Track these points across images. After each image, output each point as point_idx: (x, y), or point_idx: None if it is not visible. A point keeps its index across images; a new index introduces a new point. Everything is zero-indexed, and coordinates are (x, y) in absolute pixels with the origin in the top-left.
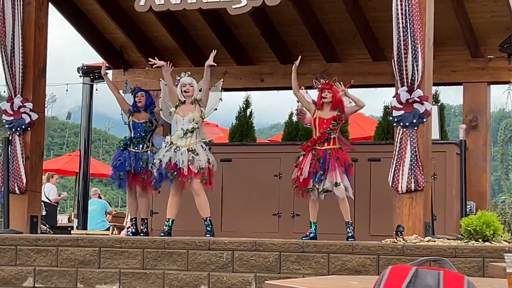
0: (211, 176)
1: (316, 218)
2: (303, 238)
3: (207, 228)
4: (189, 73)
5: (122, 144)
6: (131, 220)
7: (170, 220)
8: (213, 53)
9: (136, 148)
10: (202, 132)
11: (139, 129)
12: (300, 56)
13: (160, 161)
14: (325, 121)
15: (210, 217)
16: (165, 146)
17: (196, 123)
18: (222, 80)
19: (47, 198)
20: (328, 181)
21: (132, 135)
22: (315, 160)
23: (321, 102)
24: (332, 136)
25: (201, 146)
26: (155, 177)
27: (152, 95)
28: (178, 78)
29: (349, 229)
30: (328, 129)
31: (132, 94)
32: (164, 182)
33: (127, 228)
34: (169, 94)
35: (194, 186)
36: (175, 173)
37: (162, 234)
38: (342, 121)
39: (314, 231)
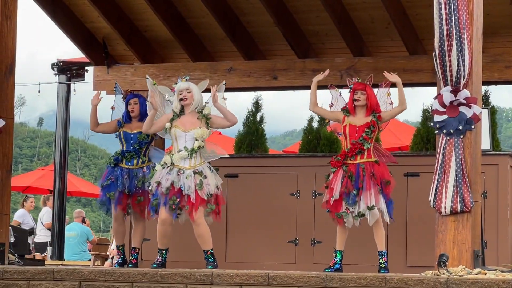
0: (220, 204)
1: (343, 247)
2: (326, 270)
3: (209, 259)
4: (187, 77)
5: (112, 160)
6: (117, 248)
7: (164, 250)
8: (214, 89)
9: (129, 164)
10: (205, 150)
11: (132, 141)
12: (328, 70)
13: (158, 184)
14: (357, 128)
15: (212, 249)
16: (163, 168)
17: (202, 141)
18: (224, 82)
19: (41, 223)
20: (362, 203)
21: (124, 149)
22: (347, 178)
23: (353, 105)
24: (365, 147)
25: (208, 167)
26: (151, 205)
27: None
28: (174, 86)
29: (382, 260)
30: (361, 138)
31: (123, 100)
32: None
33: (112, 258)
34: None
35: (196, 215)
36: (178, 200)
37: (155, 265)
38: (378, 128)
39: (339, 262)
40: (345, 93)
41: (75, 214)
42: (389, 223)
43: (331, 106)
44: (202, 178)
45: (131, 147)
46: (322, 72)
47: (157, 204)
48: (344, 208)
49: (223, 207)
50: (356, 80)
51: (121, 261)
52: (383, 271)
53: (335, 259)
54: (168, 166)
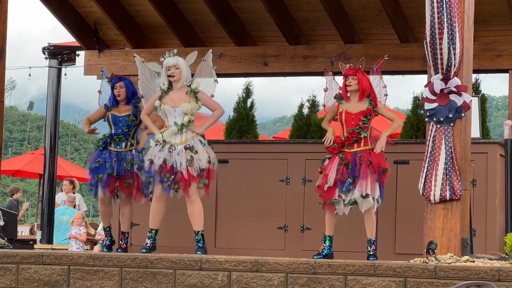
0: (210, 178)
1: (333, 232)
2: (315, 257)
3: (199, 244)
4: (175, 51)
5: (101, 143)
6: (104, 229)
7: (154, 231)
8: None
9: (118, 147)
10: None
11: (120, 124)
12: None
13: (151, 162)
14: (353, 116)
15: (203, 231)
16: (156, 145)
17: (192, 115)
18: (211, 51)
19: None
20: (357, 191)
21: (113, 131)
22: (343, 166)
23: (346, 91)
24: (362, 136)
25: (200, 141)
26: (144, 183)
27: (133, 81)
28: (162, 59)
29: (371, 248)
30: (358, 127)
31: (109, 84)
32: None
33: (101, 241)
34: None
35: (190, 191)
36: (172, 177)
37: (144, 250)
38: (374, 115)
39: (328, 248)
40: (339, 78)
41: (68, 198)
42: (377, 205)
43: (325, 90)
44: (193, 153)
45: (120, 130)
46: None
47: (150, 181)
48: (337, 195)
49: (212, 192)
50: (349, 66)
51: (109, 242)
52: (371, 258)
53: (324, 244)
54: (160, 143)
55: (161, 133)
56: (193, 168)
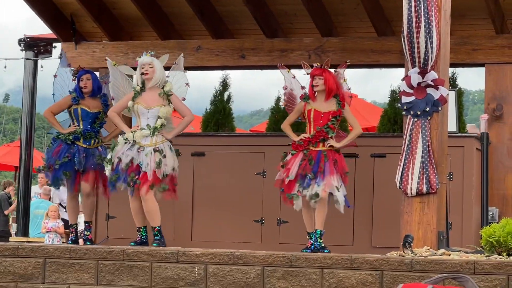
0: (174, 184)
1: (313, 228)
2: (303, 251)
3: (156, 237)
4: (152, 52)
5: (71, 138)
6: (71, 226)
7: (142, 228)
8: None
9: (87, 143)
10: (170, 125)
11: (90, 120)
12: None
13: (119, 160)
14: (322, 115)
15: (159, 226)
16: (125, 143)
17: (165, 120)
18: (182, 55)
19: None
20: (321, 185)
21: (82, 127)
22: (306, 161)
23: (313, 92)
24: (329, 136)
25: (169, 146)
26: (110, 179)
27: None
28: (137, 59)
29: (318, 240)
30: (326, 126)
31: (74, 76)
32: (120, 185)
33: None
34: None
35: (143, 190)
36: (136, 177)
37: (133, 244)
38: (342, 116)
39: (315, 243)
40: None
41: (43, 191)
42: (341, 211)
43: (285, 88)
44: (161, 157)
45: (89, 127)
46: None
47: (116, 179)
48: (296, 190)
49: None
50: (316, 66)
51: (74, 238)
52: (326, 251)
53: (311, 241)
54: (130, 143)
55: (132, 132)
56: (160, 171)
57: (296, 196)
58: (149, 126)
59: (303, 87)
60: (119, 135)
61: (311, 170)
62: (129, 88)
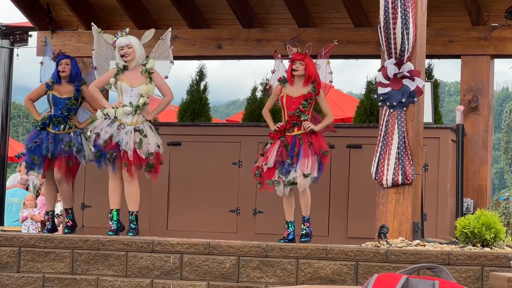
0: (158, 163)
1: (293, 217)
2: (281, 241)
3: (131, 224)
4: (127, 30)
5: (39, 124)
6: (46, 213)
7: (114, 211)
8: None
9: (56, 129)
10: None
11: (60, 106)
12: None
13: (98, 135)
14: (294, 100)
15: (137, 212)
16: (105, 119)
17: (147, 98)
18: (170, 29)
19: None
20: (298, 169)
21: (52, 112)
22: (282, 147)
23: (292, 76)
24: (302, 119)
25: (149, 126)
26: (94, 157)
27: (81, 63)
28: (114, 39)
29: (305, 225)
30: (298, 110)
31: (54, 60)
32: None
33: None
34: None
35: (128, 172)
36: (115, 154)
37: (111, 233)
38: (314, 99)
39: (292, 233)
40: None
41: (20, 180)
42: (310, 182)
43: (273, 72)
44: (142, 136)
45: (59, 112)
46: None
47: (100, 155)
48: (277, 176)
49: (165, 175)
50: (296, 51)
51: (50, 227)
52: (304, 239)
53: (289, 230)
54: (110, 119)
55: (113, 108)
56: (142, 150)
57: (277, 182)
58: (131, 104)
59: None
60: (98, 110)
61: (288, 156)
62: (112, 58)
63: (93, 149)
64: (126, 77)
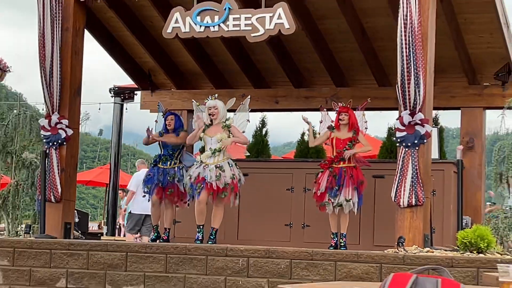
0: (235, 190)
1: (337, 229)
2: (330, 248)
3: (211, 236)
4: (216, 95)
5: (152, 161)
6: (153, 227)
7: (200, 226)
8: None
9: (164, 165)
10: (227, 154)
11: (167, 148)
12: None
13: (190, 177)
14: (342, 141)
15: (217, 229)
16: (196, 165)
17: (222, 143)
18: (249, 97)
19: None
20: (342, 196)
21: (162, 153)
22: (332, 177)
23: (338, 124)
24: (344, 151)
25: (228, 163)
26: (188, 192)
27: (179, 115)
28: (205, 101)
29: (343, 240)
30: (344, 149)
31: (163, 116)
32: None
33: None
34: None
35: (216, 199)
36: (202, 186)
37: (198, 242)
38: (357, 142)
39: (337, 241)
40: (331, 113)
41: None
42: (355, 213)
43: (321, 122)
44: (221, 171)
45: (166, 152)
46: (309, 123)
47: (191, 192)
48: (327, 199)
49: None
50: (341, 105)
51: (154, 237)
52: (342, 248)
53: (334, 240)
54: (199, 163)
55: (199, 156)
56: (220, 181)
57: (327, 203)
58: (211, 149)
59: (332, 121)
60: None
61: (336, 183)
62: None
63: (187, 189)
64: (209, 131)
